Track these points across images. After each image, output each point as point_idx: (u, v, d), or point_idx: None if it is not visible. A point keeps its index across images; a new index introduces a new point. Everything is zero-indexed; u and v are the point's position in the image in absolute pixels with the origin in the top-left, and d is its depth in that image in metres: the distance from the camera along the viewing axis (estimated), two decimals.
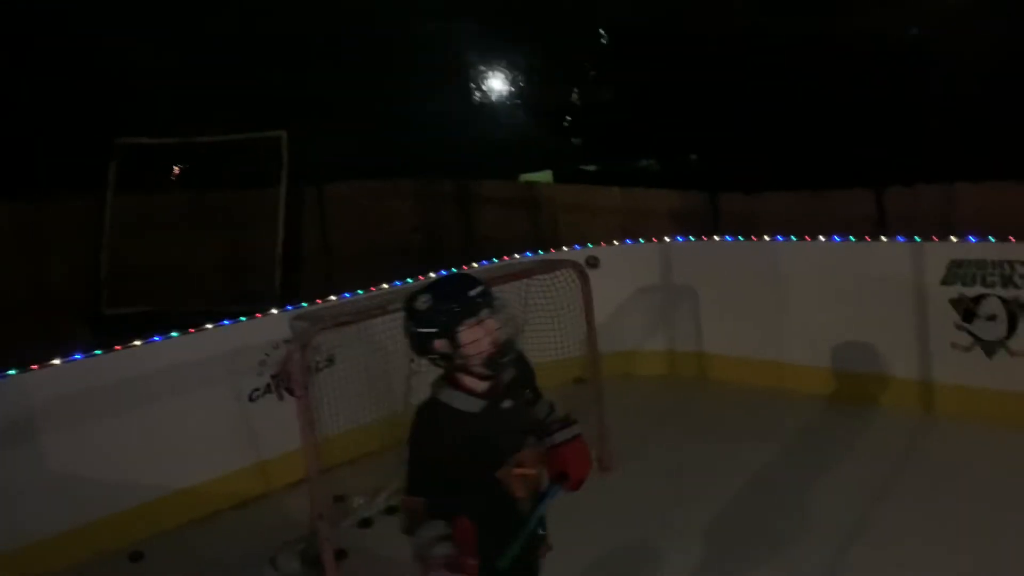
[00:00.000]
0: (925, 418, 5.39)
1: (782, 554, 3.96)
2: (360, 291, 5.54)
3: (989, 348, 5.13)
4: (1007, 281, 5.01)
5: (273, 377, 5.23)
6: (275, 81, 10.70)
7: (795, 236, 6.00)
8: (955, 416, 5.24)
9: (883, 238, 5.72)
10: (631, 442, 5.36)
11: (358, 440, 5.13)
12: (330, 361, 5.26)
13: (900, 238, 5.54)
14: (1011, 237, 5.07)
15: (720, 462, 5.05)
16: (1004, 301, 5.03)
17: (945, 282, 5.27)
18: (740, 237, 6.32)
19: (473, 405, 2.18)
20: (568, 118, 13.87)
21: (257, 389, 5.24)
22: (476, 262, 6.39)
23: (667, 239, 6.71)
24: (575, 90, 13.94)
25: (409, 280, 5.67)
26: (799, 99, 7.70)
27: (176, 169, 10.80)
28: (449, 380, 2.22)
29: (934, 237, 5.39)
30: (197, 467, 4.97)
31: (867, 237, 5.80)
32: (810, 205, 7.15)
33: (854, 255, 5.77)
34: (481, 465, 2.16)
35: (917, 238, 5.44)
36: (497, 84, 14.91)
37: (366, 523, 4.66)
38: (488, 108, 14.52)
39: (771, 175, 7.83)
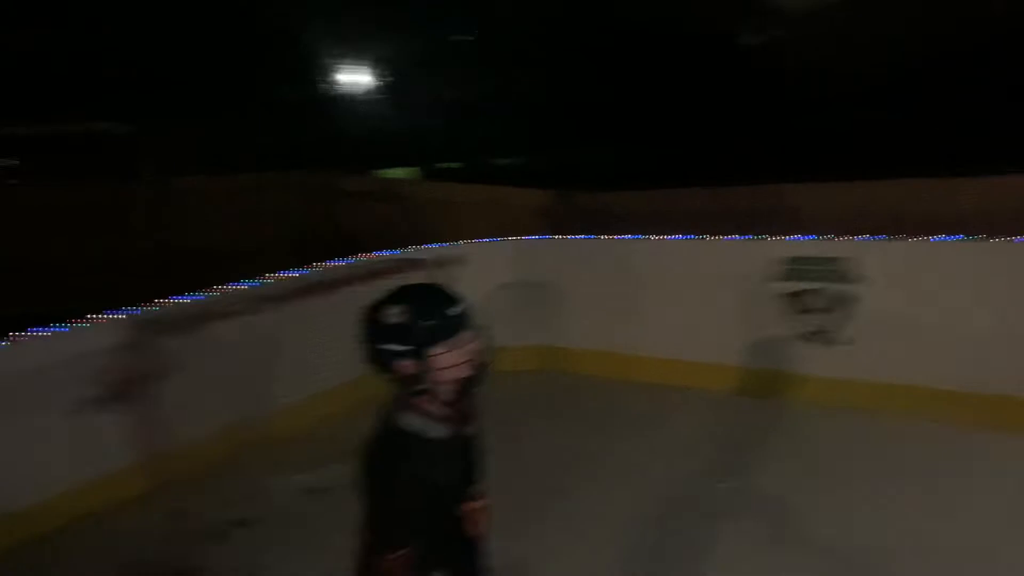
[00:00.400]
0: (768, 404, 5.74)
1: (651, 543, 4.10)
2: (208, 293, 5.26)
3: (821, 338, 5.54)
4: (836, 276, 5.42)
5: (110, 386, 4.88)
6: (126, 71, 10.03)
7: (647, 233, 6.25)
8: (793, 402, 5.63)
9: (727, 236, 6.04)
10: (494, 439, 5.39)
11: (207, 449, 4.88)
12: (175, 367, 4.97)
13: (741, 236, 5.87)
14: (841, 235, 5.49)
15: (583, 454, 5.17)
16: (826, 295, 5.44)
17: (782, 277, 5.64)
18: (604, 236, 6.52)
19: (439, 432, 1.96)
20: (435, 115, 13.81)
21: (95, 399, 4.87)
22: (338, 259, 6.23)
23: (527, 236, 6.81)
24: (442, 87, 13.90)
25: (266, 281, 5.44)
26: (650, 101, 8.04)
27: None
28: (405, 404, 1.97)
29: (771, 235, 5.75)
30: (28, 486, 4.55)
31: (711, 235, 6.11)
32: (658, 202, 7.46)
33: (700, 252, 6.07)
34: (449, 501, 1.97)
35: (756, 236, 5.80)
36: (363, 79, 14.62)
37: (217, 537, 4.45)
38: (352, 103, 14.21)
39: (624, 173, 8.14)
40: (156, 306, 4.90)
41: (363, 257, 6.22)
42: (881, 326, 5.29)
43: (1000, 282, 4.94)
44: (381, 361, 1.95)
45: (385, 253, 6.42)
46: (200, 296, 5.07)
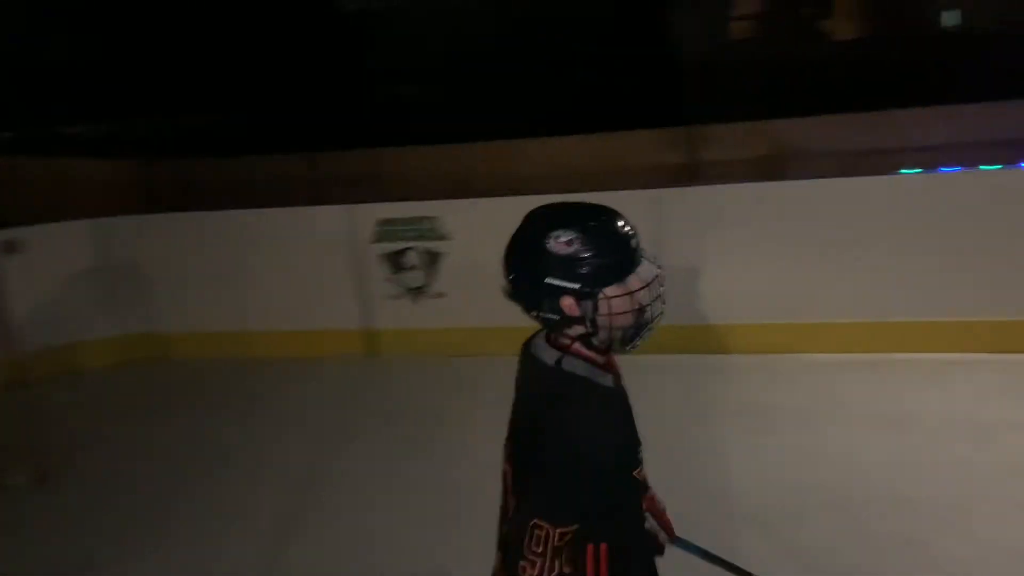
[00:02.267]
0: (371, 361, 6.01)
1: (256, 522, 4.01)
2: None
3: (413, 294, 5.92)
4: (421, 235, 5.81)
5: None
6: None
7: (239, 204, 6.03)
8: (395, 355, 5.98)
9: (326, 203, 6.09)
10: (80, 445, 4.86)
11: None
12: None
13: (340, 202, 5.97)
14: (429, 197, 5.85)
15: (185, 444, 4.88)
16: (420, 253, 5.83)
17: (376, 240, 5.89)
18: (193, 209, 6.11)
19: (607, 379, 1.57)
20: None
21: None
22: None
23: (104, 215, 6.12)
24: None
25: None
26: (238, 63, 7.69)
27: None
28: (558, 344, 1.58)
29: (364, 200, 5.94)
30: None
31: (309, 202, 6.11)
32: (246, 171, 7.21)
33: (300, 220, 6.04)
34: (629, 464, 1.54)
35: (354, 201, 5.94)
36: None
37: None
38: None
39: (206, 141, 7.73)
40: None
41: None
42: (465, 278, 5.82)
43: None
44: (537, 297, 1.54)
45: None
46: None
